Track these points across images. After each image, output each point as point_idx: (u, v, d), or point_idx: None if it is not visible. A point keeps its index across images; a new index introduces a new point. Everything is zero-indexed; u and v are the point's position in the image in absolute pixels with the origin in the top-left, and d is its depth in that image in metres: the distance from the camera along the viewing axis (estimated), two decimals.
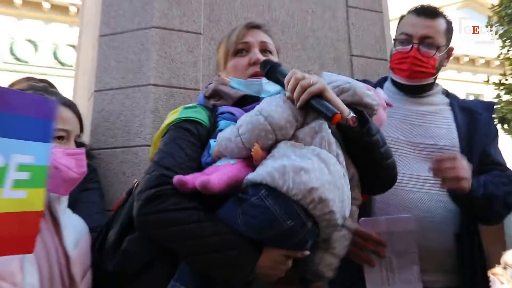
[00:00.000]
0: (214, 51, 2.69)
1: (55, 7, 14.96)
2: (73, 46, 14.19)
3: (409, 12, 2.42)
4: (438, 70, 2.37)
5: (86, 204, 2.10)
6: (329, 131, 1.53)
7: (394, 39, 2.43)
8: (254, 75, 1.80)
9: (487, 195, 2.04)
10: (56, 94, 2.02)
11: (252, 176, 1.45)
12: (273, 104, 1.54)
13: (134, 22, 2.68)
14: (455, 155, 2.01)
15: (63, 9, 15.00)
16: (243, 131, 1.50)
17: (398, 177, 1.88)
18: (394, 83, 2.43)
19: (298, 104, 1.52)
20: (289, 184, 1.39)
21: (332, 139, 1.52)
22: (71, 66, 13.85)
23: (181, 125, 1.67)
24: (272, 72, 1.68)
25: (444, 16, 2.38)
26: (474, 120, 2.30)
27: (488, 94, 11.23)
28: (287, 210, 1.39)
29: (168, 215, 1.45)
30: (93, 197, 2.21)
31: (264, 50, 1.87)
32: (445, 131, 2.29)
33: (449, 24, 2.38)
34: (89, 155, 2.35)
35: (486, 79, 10.58)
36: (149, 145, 2.42)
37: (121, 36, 2.69)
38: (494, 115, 2.39)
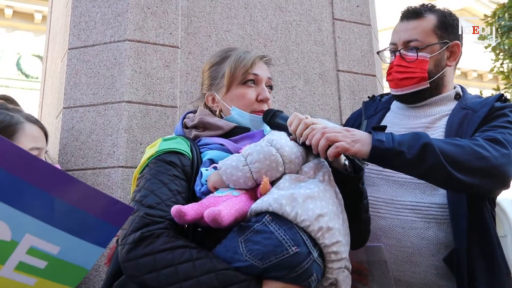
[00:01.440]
0: (192, 66, 2.72)
1: (18, 14, 14.83)
2: (39, 57, 14.10)
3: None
4: (435, 72, 2.26)
5: None
6: (330, 169, 1.65)
7: (378, 52, 2.45)
8: (259, 112, 1.88)
9: (403, 147, 1.79)
10: (18, 110, 2.01)
11: (257, 205, 1.49)
12: (283, 138, 1.64)
13: (107, 34, 2.69)
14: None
15: (27, 16, 14.88)
16: (253, 160, 1.56)
17: (373, 202, 1.97)
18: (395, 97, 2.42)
19: (301, 139, 1.65)
20: (297, 210, 1.44)
21: (332, 177, 1.63)
22: (37, 78, 13.74)
23: (162, 157, 1.68)
24: (274, 118, 1.81)
25: (435, 11, 2.30)
26: (467, 119, 2.15)
27: None
28: (292, 236, 1.43)
29: (159, 257, 1.45)
30: None
31: (269, 85, 1.95)
32: None
33: (443, 17, 2.29)
34: None
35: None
36: (122, 167, 2.43)
37: (92, 49, 2.70)
38: (499, 109, 2.13)
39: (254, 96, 1.88)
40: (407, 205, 2.12)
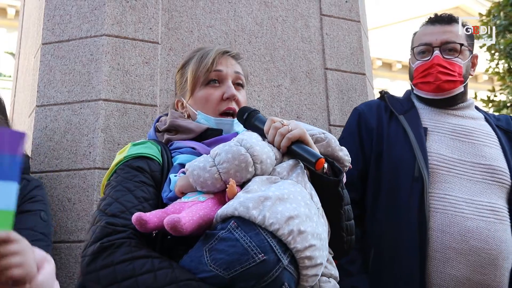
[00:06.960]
0: (173, 63, 2.72)
1: None
2: (12, 54, 14.01)
3: (422, 26, 2.54)
4: (465, 79, 2.44)
5: (22, 232, 2.03)
6: (305, 171, 1.62)
7: (412, 53, 2.52)
8: (226, 111, 1.87)
9: None
10: None
11: (222, 210, 1.47)
12: (254, 137, 1.63)
13: (83, 29, 2.68)
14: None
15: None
16: (221, 161, 1.54)
17: (454, 201, 2.10)
18: (421, 99, 2.50)
19: (281, 150, 1.64)
20: (265, 213, 1.41)
21: (307, 179, 1.61)
22: (10, 76, 13.64)
23: (130, 163, 1.69)
24: (250, 119, 1.78)
25: (458, 21, 2.46)
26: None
27: None
28: (259, 242, 1.40)
29: (119, 268, 1.44)
30: (32, 221, 2.03)
31: (237, 83, 1.94)
32: (495, 151, 2.34)
33: (468, 29, 2.47)
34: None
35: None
36: (98, 168, 2.42)
37: (68, 44, 2.68)
38: None
39: (218, 96, 1.88)
40: (484, 205, 2.19)
